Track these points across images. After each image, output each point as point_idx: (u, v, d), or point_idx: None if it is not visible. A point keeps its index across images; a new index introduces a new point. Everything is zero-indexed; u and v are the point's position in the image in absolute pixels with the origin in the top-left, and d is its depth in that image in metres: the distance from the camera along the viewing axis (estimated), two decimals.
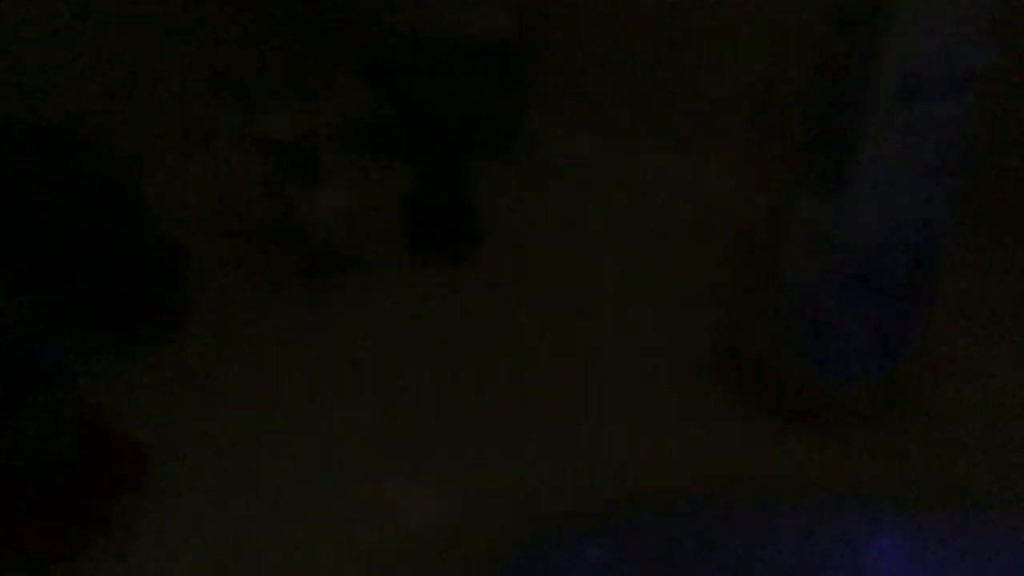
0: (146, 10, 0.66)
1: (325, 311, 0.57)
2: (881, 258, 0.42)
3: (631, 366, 0.51)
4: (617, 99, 0.72)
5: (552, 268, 0.59)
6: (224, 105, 0.67)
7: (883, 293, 0.43)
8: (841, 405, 0.46)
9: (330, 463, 0.47)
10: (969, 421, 0.47)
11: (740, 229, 0.47)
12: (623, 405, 0.48)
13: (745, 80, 0.64)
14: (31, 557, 0.40)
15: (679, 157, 0.69)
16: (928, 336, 0.51)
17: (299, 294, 0.59)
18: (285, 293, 0.59)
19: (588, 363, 0.51)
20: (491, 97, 0.69)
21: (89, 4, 0.63)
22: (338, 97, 0.77)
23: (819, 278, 0.43)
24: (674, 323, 0.54)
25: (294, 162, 0.59)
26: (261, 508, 0.45)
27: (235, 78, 0.72)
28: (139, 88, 0.67)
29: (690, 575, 0.44)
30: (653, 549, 0.44)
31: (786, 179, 0.43)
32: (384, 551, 0.42)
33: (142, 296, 0.52)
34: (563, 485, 0.44)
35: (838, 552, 0.43)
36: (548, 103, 0.75)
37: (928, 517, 0.43)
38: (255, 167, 0.67)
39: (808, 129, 0.41)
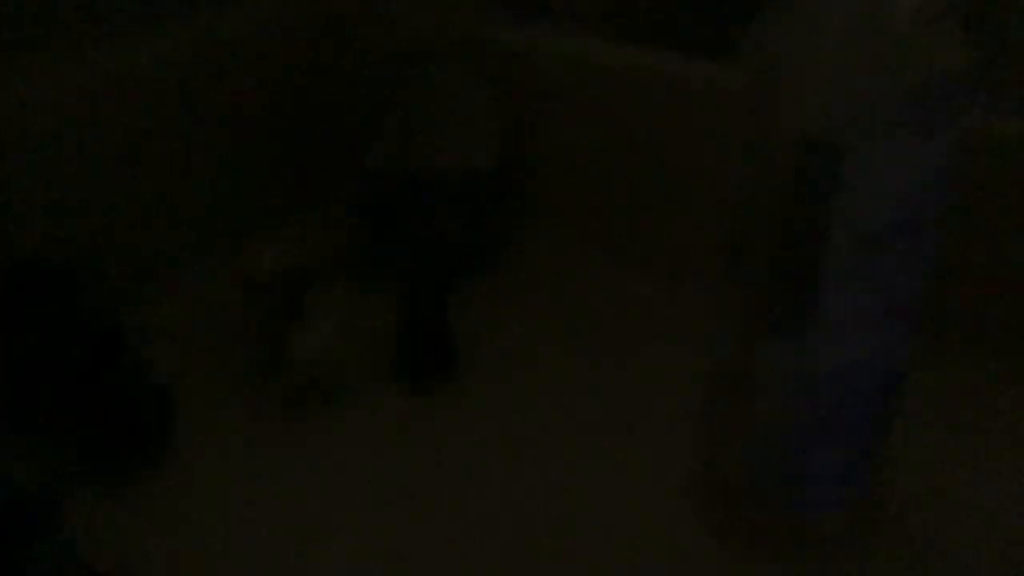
0: (140, 152, 0.69)
1: (312, 442, 0.59)
2: (844, 397, 0.44)
3: (610, 498, 0.52)
4: (598, 224, 0.74)
5: (530, 393, 0.61)
6: (214, 244, 0.69)
7: (848, 430, 0.45)
8: (812, 536, 0.47)
9: None
10: (943, 546, 0.49)
11: (714, 365, 0.49)
12: (602, 539, 0.50)
13: (721, 214, 0.67)
14: None
15: (659, 283, 0.71)
16: (899, 462, 0.52)
17: (285, 425, 0.60)
18: (271, 423, 0.60)
19: (568, 496, 0.53)
20: (474, 226, 0.72)
21: (86, 144, 0.65)
22: (326, 231, 0.79)
23: (785, 416, 0.45)
24: (652, 456, 0.55)
25: (280, 299, 0.61)
26: None
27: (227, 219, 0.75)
28: (134, 226, 0.69)
29: None
30: None
31: (753, 321, 0.45)
32: None
33: (132, 435, 0.54)
34: None
35: None
36: (535, 226, 0.77)
37: None
38: (243, 303, 0.69)
39: (772, 276, 0.43)
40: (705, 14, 0.73)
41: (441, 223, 0.70)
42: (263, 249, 0.63)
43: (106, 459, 0.53)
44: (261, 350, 0.63)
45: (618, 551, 0.49)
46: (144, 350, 0.63)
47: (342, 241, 0.78)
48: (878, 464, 0.47)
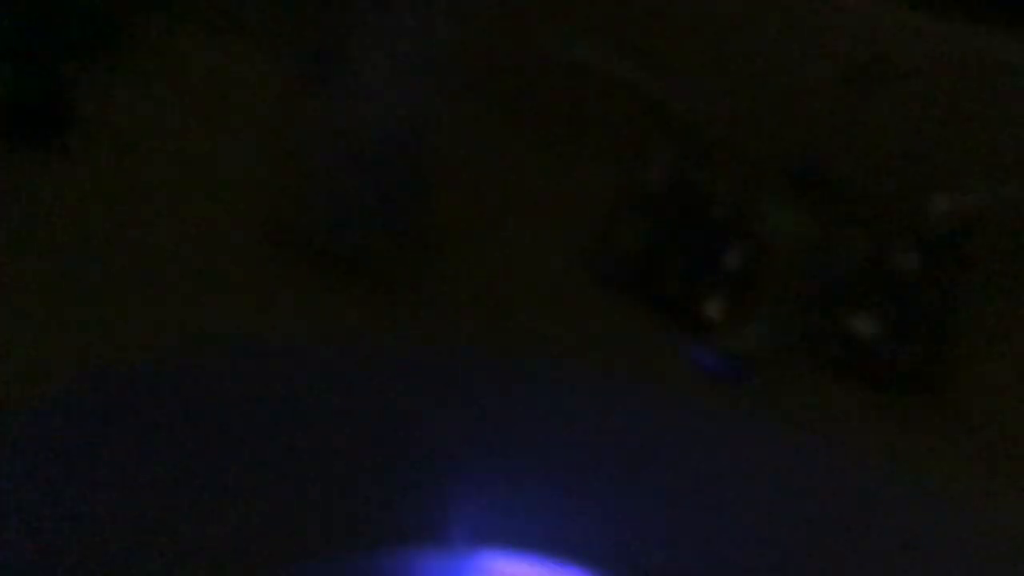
0: None
1: None
2: (377, 142, 0.49)
3: (197, 241, 0.53)
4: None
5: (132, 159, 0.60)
6: None
7: (383, 172, 0.50)
8: (365, 267, 0.52)
9: None
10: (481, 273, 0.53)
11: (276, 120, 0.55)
12: (185, 274, 0.51)
13: None
14: None
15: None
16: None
17: None
18: None
19: (152, 241, 0.53)
20: None
21: None
22: None
23: (326, 162, 0.50)
24: (234, 204, 0.56)
25: None
26: None
27: None
28: None
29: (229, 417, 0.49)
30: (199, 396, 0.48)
31: (301, 78, 0.50)
32: None
33: None
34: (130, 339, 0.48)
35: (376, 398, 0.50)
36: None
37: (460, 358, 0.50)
38: None
39: (312, 34, 0.49)
40: None
41: None
42: None
43: None
44: None
45: (201, 283, 0.51)
46: None
47: None
48: (420, 201, 0.53)
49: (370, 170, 0.50)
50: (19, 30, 0.65)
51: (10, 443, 0.43)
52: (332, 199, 0.51)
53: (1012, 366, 0.50)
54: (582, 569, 0.48)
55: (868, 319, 0.47)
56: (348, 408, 0.49)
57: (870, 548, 0.45)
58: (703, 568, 0.47)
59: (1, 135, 0.61)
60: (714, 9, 0.57)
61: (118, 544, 0.46)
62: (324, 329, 0.49)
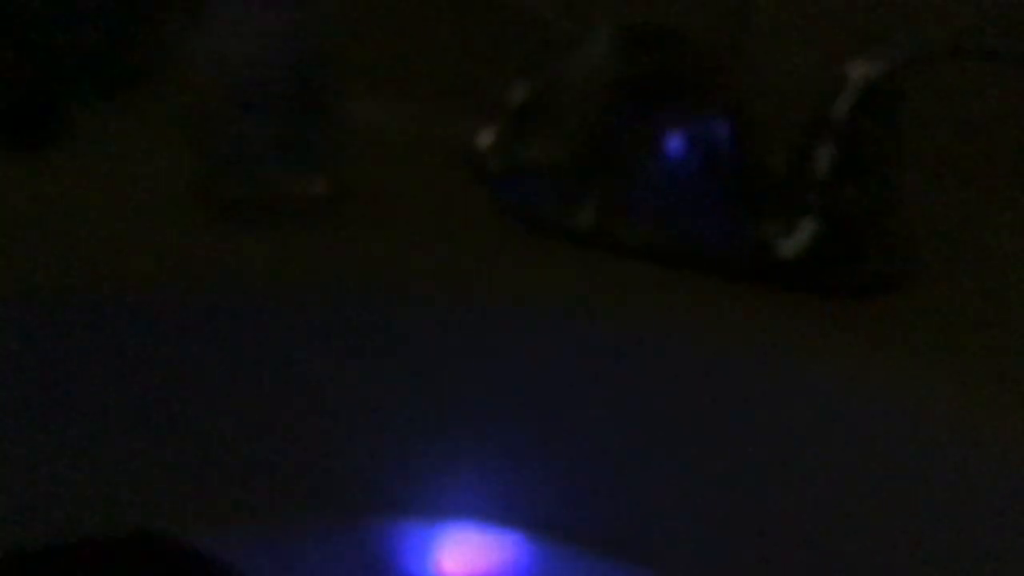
0: None
1: None
2: (263, 75, 0.47)
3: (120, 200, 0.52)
4: None
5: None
6: None
7: (276, 106, 0.48)
8: (285, 206, 0.51)
9: None
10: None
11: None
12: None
13: None
14: None
15: None
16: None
17: None
18: None
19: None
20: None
21: None
22: None
23: (218, 99, 0.48)
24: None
25: None
26: None
27: None
28: None
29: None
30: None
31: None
32: None
33: None
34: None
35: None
36: None
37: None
38: None
39: None
40: None
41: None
42: None
43: None
44: None
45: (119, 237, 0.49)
46: None
47: None
48: (325, 145, 0.50)
49: (265, 110, 0.48)
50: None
51: None
52: (229, 144, 0.49)
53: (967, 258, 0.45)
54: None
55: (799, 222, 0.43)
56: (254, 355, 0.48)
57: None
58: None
59: None
60: None
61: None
62: (231, 276, 0.47)
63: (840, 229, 0.42)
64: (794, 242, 0.42)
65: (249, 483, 0.48)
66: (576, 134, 0.40)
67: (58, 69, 0.62)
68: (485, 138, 0.40)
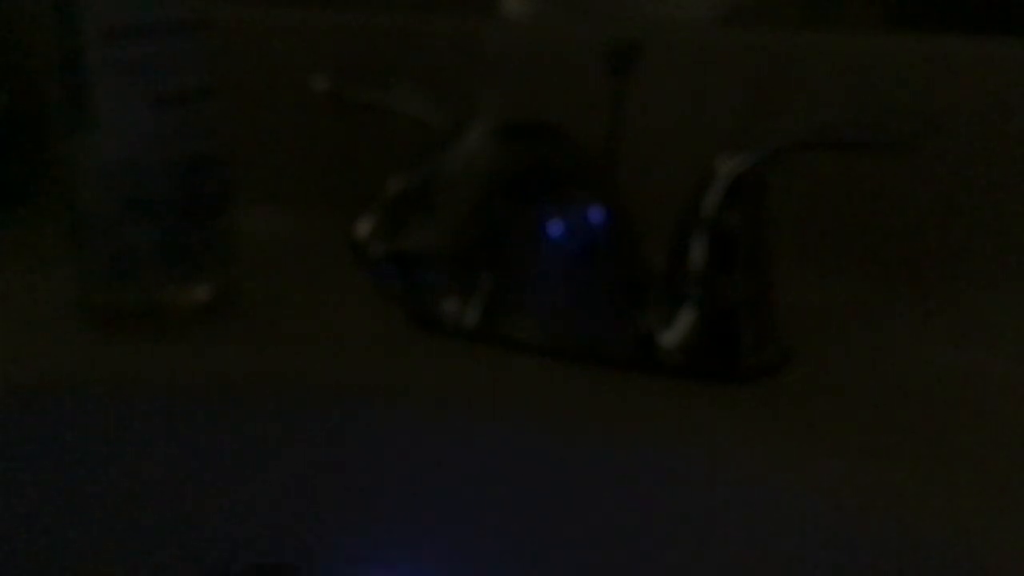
0: None
1: None
2: (148, 181, 0.47)
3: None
4: None
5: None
6: None
7: (161, 212, 0.48)
8: (170, 314, 0.50)
9: None
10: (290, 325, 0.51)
11: None
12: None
13: None
14: None
15: None
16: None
17: None
18: None
19: None
20: None
21: None
22: None
23: (102, 204, 0.48)
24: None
25: None
26: None
27: None
28: None
29: None
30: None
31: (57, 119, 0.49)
32: None
33: None
34: None
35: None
36: None
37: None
38: None
39: (54, 77, 0.47)
40: None
41: None
42: None
43: None
44: None
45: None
46: None
47: None
48: (215, 247, 0.50)
49: (151, 216, 0.48)
50: None
51: None
52: (113, 251, 0.48)
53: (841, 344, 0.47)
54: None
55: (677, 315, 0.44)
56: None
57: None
58: None
59: None
60: None
61: None
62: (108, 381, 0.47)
63: (717, 319, 0.43)
64: (674, 332, 0.43)
65: None
66: (455, 225, 0.40)
67: None
68: (364, 226, 0.41)
